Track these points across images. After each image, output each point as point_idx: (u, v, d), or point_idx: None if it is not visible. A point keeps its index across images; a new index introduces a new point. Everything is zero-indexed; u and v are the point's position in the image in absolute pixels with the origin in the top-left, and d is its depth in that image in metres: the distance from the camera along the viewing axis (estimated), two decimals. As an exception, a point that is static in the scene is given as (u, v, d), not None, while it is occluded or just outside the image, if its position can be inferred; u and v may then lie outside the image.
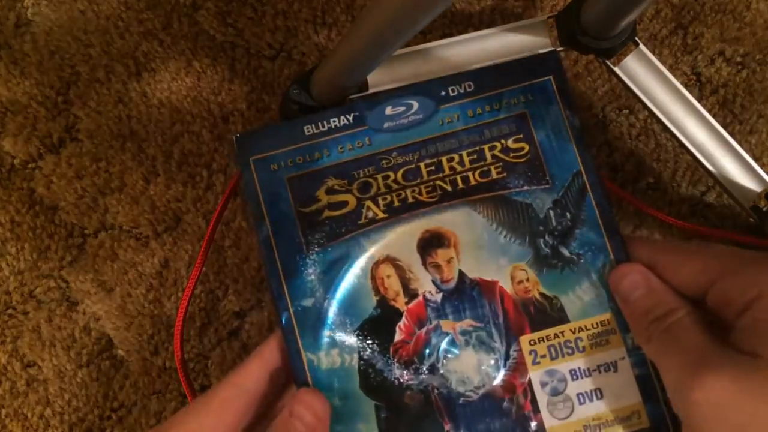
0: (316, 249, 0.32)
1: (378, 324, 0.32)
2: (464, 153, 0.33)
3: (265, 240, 0.32)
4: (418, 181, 0.33)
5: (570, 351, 0.31)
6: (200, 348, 0.47)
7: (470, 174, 0.33)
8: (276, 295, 0.32)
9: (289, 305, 0.32)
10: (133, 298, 0.48)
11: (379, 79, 0.42)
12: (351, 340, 0.31)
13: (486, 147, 0.33)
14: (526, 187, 0.32)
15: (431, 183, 0.33)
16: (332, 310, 0.32)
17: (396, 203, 0.33)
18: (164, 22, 0.51)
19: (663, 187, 0.47)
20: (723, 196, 0.47)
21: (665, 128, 0.42)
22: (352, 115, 0.34)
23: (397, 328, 0.32)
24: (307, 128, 0.34)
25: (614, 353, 0.31)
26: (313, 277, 0.32)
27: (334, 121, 0.34)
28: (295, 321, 0.32)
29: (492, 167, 0.33)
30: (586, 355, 0.31)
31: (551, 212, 0.32)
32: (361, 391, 0.31)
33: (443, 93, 0.34)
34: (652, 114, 0.42)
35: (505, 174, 0.33)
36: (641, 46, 0.42)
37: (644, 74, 0.42)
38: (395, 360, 0.31)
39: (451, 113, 0.34)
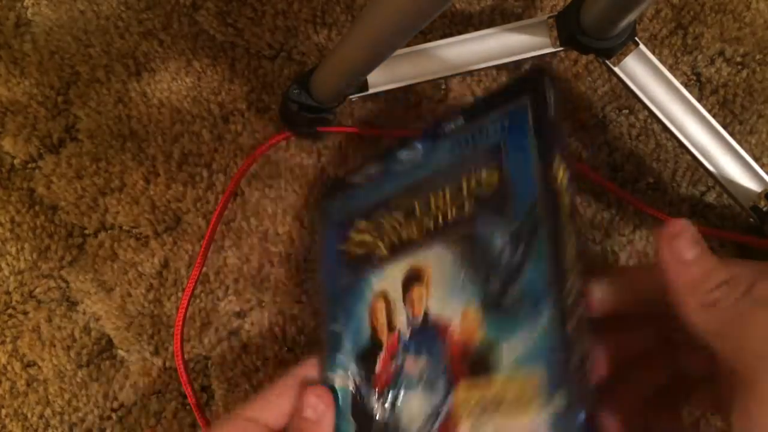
0: (343, 282, 0.36)
1: (368, 354, 0.33)
2: (447, 189, 0.32)
3: (322, 272, 0.38)
4: (413, 220, 0.34)
5: (494, 407, 0.27)
6: (200, 348, 0.47)
7: (449, 210, 0.32)
8: (322, 318, 0.37)
9: (325, 328, 0.36)
10: (133, 298, 0.48)
11: (379, 79, 0.42)
12: (351, 366, 0.34)
13: (464, 180, 0.31)
14: (490, 221, 0.29)
15: (420, 221, 0.33)
16: (345, 337, 0.35)
17: (396, 242, 0.34)
18: (164, 22, 0.51)
19: (663, 187, 0.47)
20: (723, 196, 0.47)
21: (665, 128, 0.42)
22: (382, 164, 0.37)
23: (378, 360, 0.33)
24: (351, 178, 0.38)
25: (534, 417, 0.25)
26: (339, 306, 0.36)
27: (369, 170, 0.37)
28: (326, 342, 0.35)
29: (466, 201, 0.31)
30: (506, 414, 0.26)
31: (507, 248, 0.28)
32: (350, 414, 0.33)
33: (439, 131, 0.34)
34: (652, 114, 0.42)
35: (476, 208, 0.31)
36: (641, 46, 0.42)
37: (644, 74, 0.42)
38: (375, 391, 0.32)
39: (444, 150, 0.33)
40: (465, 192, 0.31)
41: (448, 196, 0.32)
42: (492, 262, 0.29)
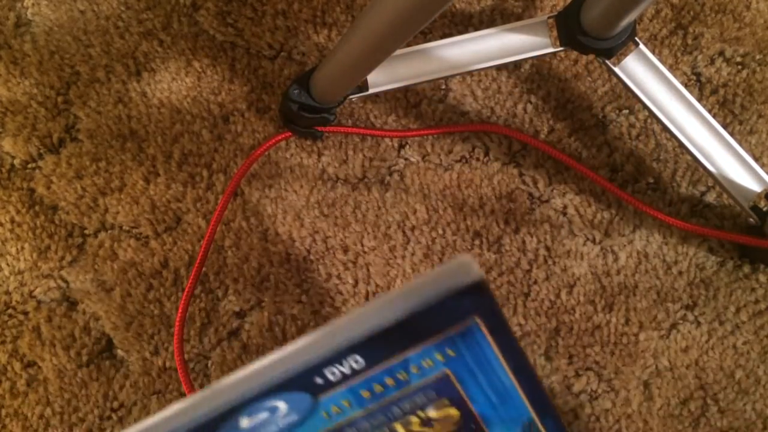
0: None
1: None
2: None
3: None
4: None
5: None
6: (200, 348, 0.47)
7: None
8: None
9: None
10: (133, 298, 0.48)
11: (379, 79, 0.42)
12: None
13: (398, 426, 0.26)
14: None
15: None
16: None
17: None
18: (164, 22, 0.51)
19: (663, 187, 0.47)
20: (723, 196, 0.47)
21: (665, 128, 0.42)
22: None
23: None
24: None
25: None
26: None
27: None
28: None
29: None
30: None
31: None
32: None
33: (320, 380, 0.24)
34: (652, 114, 0.42)
35: None
36: (641, 46, 0.42)
37: (644, 74, 0.42)
38: None
39: (339, 401, 0.25)
40: None
41: None
42: None
